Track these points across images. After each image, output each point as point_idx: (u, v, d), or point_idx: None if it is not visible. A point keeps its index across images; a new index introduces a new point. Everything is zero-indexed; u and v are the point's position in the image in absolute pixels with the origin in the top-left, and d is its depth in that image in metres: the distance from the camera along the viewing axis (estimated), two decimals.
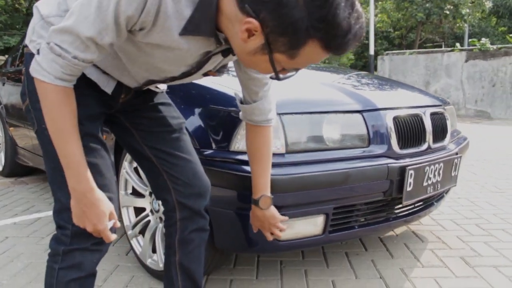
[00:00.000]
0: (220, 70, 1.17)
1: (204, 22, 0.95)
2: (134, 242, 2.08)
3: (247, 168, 1.52)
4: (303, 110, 1.64)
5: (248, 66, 1.03)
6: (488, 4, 13.70)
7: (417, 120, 1.92)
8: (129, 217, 2.10)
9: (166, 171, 1.33)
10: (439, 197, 2.23)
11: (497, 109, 10.08)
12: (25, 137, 3.53)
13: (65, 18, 0.95)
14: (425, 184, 1.86)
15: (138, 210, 2.07)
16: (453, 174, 2.06)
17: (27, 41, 1.17)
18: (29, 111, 1.16)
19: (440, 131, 2.07)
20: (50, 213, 3.01)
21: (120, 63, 1.13)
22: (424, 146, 1.93)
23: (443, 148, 2.07)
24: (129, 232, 2.09)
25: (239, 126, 1.58)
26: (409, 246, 2.34)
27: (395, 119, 1.82)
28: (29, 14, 13.88)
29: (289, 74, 0.98)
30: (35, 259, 2.23)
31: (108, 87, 1.18)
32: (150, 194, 1.97)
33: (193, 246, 1.40)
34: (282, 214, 1.57)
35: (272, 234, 1.46)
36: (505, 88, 9.94)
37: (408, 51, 12.02)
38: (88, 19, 0.92)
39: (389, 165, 1.72)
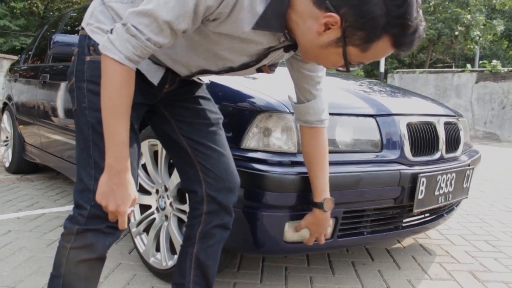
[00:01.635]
0: (272, 67, 1.22)
1: (275, 18, 1.01)
2: (137, 240, 2.05)
3: (257, 166, 1.50)
4: None
5: (313, 59, 1.09)
6: (500, 27, 13.69)
7: (431, 128, 1.89)
8: (134, 215, 2.07)
9: (200, 162, 1.33)
10: (449, 208, 2.19)
11: (506, 131, 10.01)
12: (34, 134, 3.53)
13: (145, 3, 0.99)
14: (436, 193, 1.83)
15: (144, 208, 2.05)
16: (465, 186, 2.02)
17: (83, 24, 1.20)
18: (73, 91, 1.18)
19: (453, 141, 2.04)
20: (54, 209, 3.00)
21: (177, 51, 1.15)
22: (437, 155, 1.90)
23: (455, 158, 2.04)
24: (133, 230, 2.06)
25: (251, 124, 1.56)
26: (417, 258, 2.29)
27: (409, 125, 1.79)
28: (44, 17, 14.11)
29: (354, 67, 1.04)
30: (37, 253, 2.21)
31: (155, 77, 1.21)
32: (157, 191, 1.95)
33: (213, 241, 1.37)
34: (291, 215, 1.56)
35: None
36: None
37: (418, 69, 12.01)
38: (169, 5, 0.96)
39: (401, 171, 1.69)
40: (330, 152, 1.62)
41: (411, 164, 1.76)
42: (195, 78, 1.34)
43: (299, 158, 1.53)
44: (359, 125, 1.70)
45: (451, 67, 17.44)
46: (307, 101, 1.37)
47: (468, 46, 14.21)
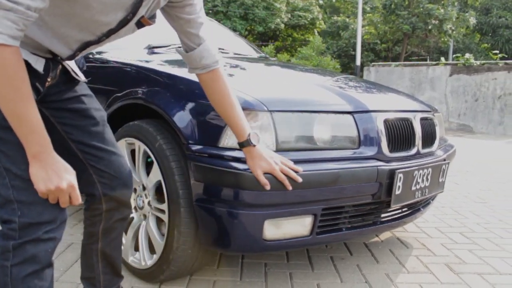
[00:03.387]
0: (151, 19, 1.19)
1: None
2: None
3: (236, 164, 1.50)
4: (294, 109, 1.62)
5: None
6: (472, 21, 13.95)
7: (407, 124, 1.91)
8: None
9: (92, 165, 1.32)
10: (426, 203, 2.22)
11: (479, 123, 10.23)
12: None
13: None
14: (413, 188, 1.85)
15: None
16: (440, 180, 2.06)
17: None
18: None
19: (429, 137, 2.07)
20: None
21: (50, 29, 1.08)
22: (413, 151, 1.92)
23: (431, 153, 2.07)
24: None
25: None
26: (394, 252, 2.32)
27: (386, 122, 1.81)
28: None
29: None
30: None
31: (38, 65, 1.13)
32: (135, 190, 1.93)
33: (115, 234, 1.44)
34: (270, 213, 1.55)
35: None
36: (487, 103, 10.11)
37: (393, 63, 12.15)
38: None
39: (379, 167, 1.70)
40: (308, 149, 1.63)
41: (388, 160, 1.78)
42: (73, 75, 1.29)
43: None
44: (337, 122, 1.71)
45: (425, 60, 17.70)
46: (198, 46, 1.34)
47: (442, 39, 14.45)
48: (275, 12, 15.22)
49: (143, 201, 1.88)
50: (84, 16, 1.06)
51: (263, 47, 15.31)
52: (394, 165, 1.77)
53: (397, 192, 1.77)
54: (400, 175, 1.75)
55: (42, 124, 1.01)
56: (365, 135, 1.74)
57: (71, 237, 2.37)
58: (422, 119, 2.03)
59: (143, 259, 1.85)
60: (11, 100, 0.95)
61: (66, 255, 2.15)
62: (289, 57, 13.90)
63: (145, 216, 1.89)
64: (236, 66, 2.33)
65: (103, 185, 1.35)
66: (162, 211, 1.75)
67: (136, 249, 1.92)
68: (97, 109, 1.37)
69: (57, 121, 1.29)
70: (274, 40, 17.42)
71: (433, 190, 2.02)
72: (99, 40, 1.17)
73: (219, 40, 3.01)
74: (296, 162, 1.53)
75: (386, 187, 1.74)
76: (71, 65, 1.30)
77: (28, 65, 1.08)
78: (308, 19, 15.61)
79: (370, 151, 1.74)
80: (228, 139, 1.55)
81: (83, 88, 1.36)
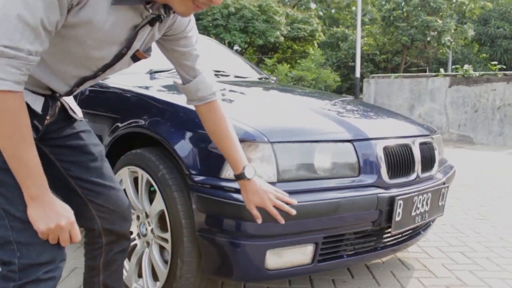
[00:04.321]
0: (147, 52, 1.21)
1: None
2: None
3: (238, 196, 1.52)
4: (295, 139, 1.65)
5: (187, 8, 1.06)
6: (471, 33, 14.05)
7: (407, 150, 1.94)
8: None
9: (91, 200, 1.34)
10: (426, 226, 2.24)
11: (479, 134, 10.26)
12: None
13: None
14: (413, 214, 1.87)
15: None
16: (440, 204, 2.08)
17: None
18: None
19: (428, 161, 2.09)
20: None
21: (48, 66, 1.11)
22: (413, 176, 1.94)
23: (431, 177, 2.09)
24: None
25: None
26: (396, 274, 2.34)
27: (385, 149, 1.83)
28: None
29: None
30: None
31: (36, 105, 1.15)
32: (138, 217, 1.95)
33: (116, 266, 1.46)
34: (272, 243, 1.57)
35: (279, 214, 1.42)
36: (487, 114, 10.14)
37: (393, 74, 12.21)
38: (30, 3, 0.90)
39: (378, 195, 1.72)
40: (309, 179, 1.65)
41: (388, 186, 1.80)
42: (71, 113, 1.32)
43: (280, 188, 1.55)
44: (337, 151, 1.73)
45: (425, 70, 17.77)
46: (194, 78, 1.34)
47: (441, 51, 14.53)
48: (274, 25, 15.33)
49: (146, 229, 1.90)
50: (79, 52, 1.09)
51: (266, 59, 15.39)
52: (393, 192, 1.79)
53: (397, 219, 1.79)
54: (400, 201, 1.77)
55: (40, 166, 1.03)
56: (365, 163, 1.77)
57: (75, 261, 2.38)
58: (421, 143, 2.05)
59: (147, 286, 1.87)
60: (12, 143, 0.97)
61: (70, 280, 2.17)
62: (290, 68, 13.96)
63: (148, 243, 1.91)
64: (237, 91, 2.36)
65: (102, 220, 1.37)
66: (165, 239, 1.77)
67: (140, 275, 1.94)
68: (95, 144, 1.39)
69: (56, 157, 1.32)
70: (274, 52, 17.53)
71: (433, 214, 2.04)
72: (95, 75, 1.20)
73: (220, 62, 3.05)
74: (297, 192, 1.56)
75: (386, 214, 1.76)
76: (69, 102, 1.33)
77: (27, 105, 1.10)
78: (308, 31, 15.72)
79: (370, 179, 1.76)
80: (230, 170, 1.57)
81: (81, 124, 1.38)
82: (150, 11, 1.08)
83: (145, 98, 2.01)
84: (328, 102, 2.35)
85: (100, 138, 2.08)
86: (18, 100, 0.96)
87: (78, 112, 1.36)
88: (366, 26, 16.32)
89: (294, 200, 1.45)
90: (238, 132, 1.61)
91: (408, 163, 1.93)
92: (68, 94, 1.25)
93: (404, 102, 11.50)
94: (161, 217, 1.83)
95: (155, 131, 1.79)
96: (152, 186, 1.82)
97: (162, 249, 1.86)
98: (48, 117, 1.23)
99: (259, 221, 1.44)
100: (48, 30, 0.96)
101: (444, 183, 2.12)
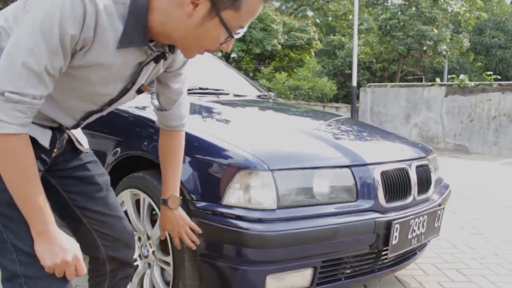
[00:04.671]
0: (150, 84, 1.24)
1: (137, 32, 1.03)
2: None
3: (239, 223, 1.56)
4: (294, 166, 1.69)
5: (197, 46, 1.08)
6: (466, 43, 14.18)
7: (403, 174, 1.98)
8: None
9: (96, 229, 1.38)
10: (422, 246, 2.28)
11: (474, 143, 10.34)
12: None
13: (2, 60, 0.94)
14: (409, 236, 1.91)
15: None
16: (436, 225, 2.12)
17: None
18: None
19: (424, 183, 2.13)
20: None
21: (55, 101, 1.14)
22: (409, 199, 1.98)
23: (427, 199, 2.13)
24: None
25: (231, 181, 1.61)
26: None
27: (383, 173, 1.87)
28: None
29: (238, 33, 1.06)
30: None
31: (44, 139, 1.19)
32: (139, 239, 1.98)
33: None
34: (272, 268, 1.61)
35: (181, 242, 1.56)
36: (482, 123, 10.23)
37: (389, 83, 12.30)
38: (34, 50, 0.93)
39: (376, 219, 1.76)
40: (308, 205, 1.69)
41: (385, 210, 1.84)
42: (77, 144, 1.35)
43: (279, 215, 1.60)
44: (335, 177, 1.77)
45: (421, 79, 17.90)
46: (169, 109, 1.39)
47: (437, 60, 14.65)
48: (272, 33, 15.42)
49: (147, 250, 1.93)
50: (85, 89, 1.12)
51: (262, 67, 15.44)
52: (390, 216, 1.83)
53: (394, 242, 1.83)
54: (397, 225, 1.81)
55: (46, 203, 1.06)
56: (363, 188, 1.81)
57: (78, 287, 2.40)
58: (417, 166, 2.09)
59: None
60: (19, 183, 1.00)
61: None
62: (287, 77, 14.04)
63: (149, 264, 1.94)
64: (236, 113, 2.40)
65: (106, 248, 1.40)
66: (167, 263, 1.80)
67: None
68: (101, 174, 1.42)
69: (62, 188, 1.35)
70: (271, 60, 17.62)
71: (429, 235, 2.09)
72: (101, 109, 1.23)
73: (220, 80, 3.09)
74: (297, 219, 1.60)
75: (383, 238, 1.80)
76: (76, 134, 1.36)
77: (35, 140, 1.14)
78: (305, 40, 15.83)
79: (367, 203, 1.80)
80: (231, 197, 1.61)
81: (88, 155, 1.41)
82: (155, 49, 1.11)
83: (145, 121, 2.03)
84: (324, 123, 2.40)
85: (102, 159, 2.11)
86: (23, 141, 0.99)
87: (84, 143, 1.39)
88: (363, 35, 16.43)
89: (197, 241, 1.57)
90: (237, 158, 1.65)
91: (405, 187, 1.98)
92: (74, 127, 1.28)
93: (400, 111, 11.59)
94: (162, 240, 1.86)
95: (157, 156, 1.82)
96: (153, 210, 1.86)
97: (163, 270, 1.89)
98: (55, 150, 1.26)
99: (162, 238, 1.61)
100: (52, 74, 0.98)
101: (440, 204, 2.16)
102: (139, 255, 1.99)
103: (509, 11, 17.68)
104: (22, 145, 0.99)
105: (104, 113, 1.28)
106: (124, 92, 1.18)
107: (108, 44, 1.03)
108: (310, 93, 12.75)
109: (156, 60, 1.16)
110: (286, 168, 1.66)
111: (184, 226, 1.55)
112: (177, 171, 1.49)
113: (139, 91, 1.23)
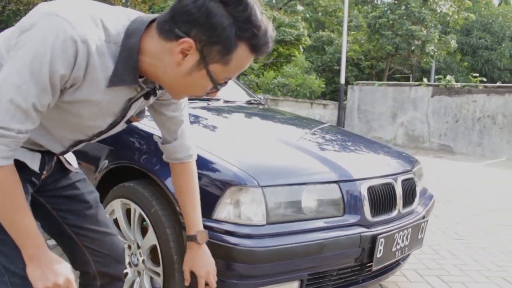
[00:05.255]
0: (139, 115, 1.25)
1: (127, 72, 1.03)
2: None
3: (229, 238, 1.59)
4: (284, 182, 1.73)
5: (182, 92, 1.10)
6: (454, 44, 14.33)
7: (389, 188, 2.03)
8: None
9: (86, 246, 1.40)
10: (405, 256, 2.34)
11: (459, 144, 10.50)
12: None
13: None
14: (394, 249, 1.97)
15: None
16: (419, 237, 2.18)
17: None
18: None
19: (409, 196, 2.19)
20: None
21: (44, 128, 1.14)
22: (394, 213, 2.04)
23: (411, 212, 2.19)
24: None
25: (222, 197, 1.65)
26: None
27: (369, 189, 1.92)
28: (0, 21, 13.50)
29: (223, 85, 1.07)
30: None
31: (34, 164, 1.20)
32: (129, 247, 2.01)
33: None
34: (260, 282, 1.65)
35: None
36: (467, 124, 10.39)
37: (377, 82, 12.40)
38: (23, 88, 0.94)
39: (361, 234, 1.81)
40: (296, 220, 1.73)
41: (370, 225, 1.90)
42: (66, 164, 1.36)
43: (268, 230, 1.64)
44: (323, 192, 1.81)
45: (408, 77, 18.06)
46: (174, 140, 1.38)
47: (424, 60, 14.80)
48: None
49: (137, 259, 1.96)
50: (75, 121, 1.13)
51: (252, 62, 15.33)
52: (375, 230, 1.88)
53: (379, 255, 1.88)
54: (382, 239, 1.87)
55: (37, 229, 1.08)
56: (349, 203, 1.85)
57: None
58: (403, 180, 2.14)
59: None
60: (7, 212, 1.03)
61: None
62: (275, 73, 14.06)
63: (139, 273, 1.97)
64: (225, 122, 2.43)
65: (96, 263, 1.42)
66: (157, 273, 1.83)
67: None
68: (90, 192, 1.43)
69: (52, 207, 1.37)
70: None
71: (413, 247, 2.15)
72: (90, 139, 1.25)
73: None
74: (285, 234, 1.65)
75: (368, 251, 1.85)
76: (66, 155, 1.37)
77: (24, 164, 1.16)
78: (294, 36, 15.84)
79: (353, 218, 1.85)
80: (221, 212, 1.65)
81: (77, 175, 1.42)
82: (144, 87, 1.11)
83: (137, 130, 2.05)
84: (311, 133, 2.44)
85: (95, 165, 2.13)
86: (8, 172, 1.01)
87: (73, 163, 1.41)
88: (352, 32, 16.50)
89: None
90: (227, 173, 1.69)
91: (390, 201, 2.03)
92: (63, 153, 1.30)
93: (387, 109, 11.71)
94: (152, 250, 1.89)
95: (148, 168, 1.85)
96: (144, 220, 1.88)
97: (152, 277, 1.92)
98: (44, 173, 1.28)
99: (187, 283, 1.50)
100: (40, 111, 0.99)
101: (424, 217, 2.22)
102: (129, 263, 2.02)
103: (496, 13, 17.91)
104: (7, 176, 1.01)
105: (93, 141, 1.29)
106: (113, 125, 1.20)
107: (98, 82, 1.03)
108: (299, 90, 12.78)
109: (146, 96, 1.16)
110: (276, 184, 1.70)
111: (213, 264, 1.47)
112: (197, 204, 1.46)
113: (128, 121, 1.24)
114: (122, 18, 1.05)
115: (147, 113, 1.33)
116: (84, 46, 0.96)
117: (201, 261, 1.46)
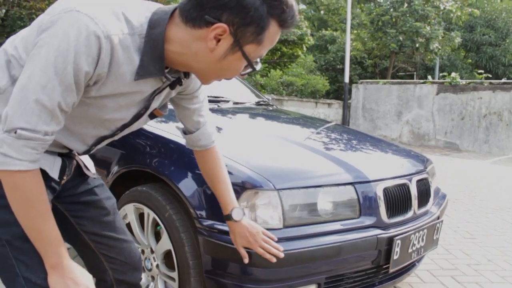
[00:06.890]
0: (162, 108, 1.24)
1: (153, 63, 1.03)
2: None
3: None
4: (300, 185, 1.70)
5: (215, 77, 1.10)
6: (458, 40, 14.25)
7: (404, 189, 2.01)
8: None
9: (104, 253, 1.38)
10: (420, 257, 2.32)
11: (465, 141, 10.45)
12: None
13: (15, 96, 0.93)
14: (410, 250, 1.95)
15: None
16: (435, 238, 2.16)
17: None
18: None
19: (424, 196, 2.17)
20: None
21: (66, 128, 1.12)
22: (410, 214, 2.01)
23: (426, 212, 2.16)
24: None
25: (238, 199, 1.62)
26: None
27: (385, 190, 1.90)
28: (4, 26, 13.52)
29: (258, 64, 1.07)
30: None
31: (54, 170, 1.18)
32: (143, 252, 1.99)
33: None
34: (276, 286, 1.63)
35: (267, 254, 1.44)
36: (473, 121, 10.34)
37: (381, 80, 12.35)
38: (47, 87, 0.93)
39: (378, 236, 1.79)
40: (312, 223, 1.71)
41: (386, 226, 1.87)
42: (85, 170, 1.35)
43: (285, 234, 1.61)
44: (339, 194, 1.79)
45: (412, 75, 17.98)
46: (197, 130, 1.38)
47: (429, 57, 14.72)
48: None
49: (151, 264, 1.95)
50: (99, 115, 1.11)
51: None
52: (392, 232, 1.86)
53: (395, 257, 1.86)
54: (398, 241, 1.84)
55: (59, 236, 1.06)
56: (365, 204, 1.83)
57: None
58: (418, 180, 2.12)
59: None
60: (31, 218, 1.01)
61: None
62: (280, 72, 14.02)
63: (153, 277, 1.95)
64: (237, 124, 2.41)
65: (114, 271, 1.41)
66: (172, 278, 1.81)
67: None
68: (108, 198, 1.42)
69: (70, 213, 1.35)
70: None
71: (428, 248, 2.12)
72: (113, 134, 1.23)
73: (220, 87, 3.09)
74: (302, 237, 1.62)
75: (385, 253, 1.83)
76: (84, 159, 1.36)
77: (45, 172, 1.14)
78: (297, 35, 15.80)
79: (369, 220, 1.83)
80: (237, 216, 1.62)
81: (95, 180, 1.41)
82: (170, 77, 1.10)
83: (150, 135, 2.03)
84: (322, 134, 2.42)
85: (107, 169, 2.11)
86: (34, 177, 0.99)
87: (91, 168, 1.39)
88: (355, 31, 16.44)
89: (280, 247, 1.46)
90: (242, 176, 1.67)
91: (406, 202, 2.01)
92: (86, 153, 1.28)
93: (392, 108, 11.66)
94: (167, 254, 1.87)
95: (163, 173, 1.83)
96: (158, 225, 1.87)
97: (166, 282, 1.91)
98: (65, 178, 1.26)
99: (246, 260, 1.49)
100: (65, 110, 0.98)
101: (438, 217, 2.20)
102: (143, 268, 2.00)
103: (500, 9, 17.79)
104: (33, 181, 0.99)
105: (116, 138, 1.28)
106: (137, 117, 1.18)
107: (124, 76, 1.03)
108: (303, 89, 12.75)
109: (172, 86, 1.16)
110: (292, 187, 1.68)
111: (259, 233, 1.45)
112: (227, 184, 1.46)
113: (152, 116, 1.23)
114: (143, 10, 1.03)
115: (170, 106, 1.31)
116: (107, 41, 0.95)
117: (245, 237, 1.45)
